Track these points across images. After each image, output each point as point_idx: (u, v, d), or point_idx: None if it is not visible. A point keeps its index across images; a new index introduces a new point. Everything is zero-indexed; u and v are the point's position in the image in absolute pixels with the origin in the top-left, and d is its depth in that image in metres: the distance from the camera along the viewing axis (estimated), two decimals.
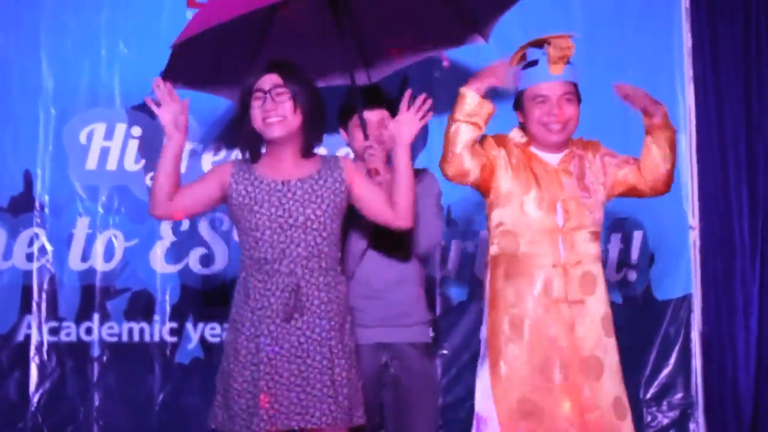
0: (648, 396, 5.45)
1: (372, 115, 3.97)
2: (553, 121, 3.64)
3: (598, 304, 3.65)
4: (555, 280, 3.59)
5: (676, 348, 5.47)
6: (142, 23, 5.09)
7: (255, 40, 4.21)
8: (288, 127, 3.52)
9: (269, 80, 3.54)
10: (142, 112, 5.01)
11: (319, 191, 3.53)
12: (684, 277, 5.50)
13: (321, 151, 4.57)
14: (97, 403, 4.98)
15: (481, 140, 3.68)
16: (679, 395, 5.47)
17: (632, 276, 5.48)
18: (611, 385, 3.62)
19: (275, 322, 3.42)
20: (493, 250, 3.70)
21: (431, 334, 4.09)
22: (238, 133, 3.58)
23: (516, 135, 3.75)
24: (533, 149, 3.70)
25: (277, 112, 3.50)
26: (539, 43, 3.66)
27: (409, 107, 3.56)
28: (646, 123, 3.74)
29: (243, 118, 3.56)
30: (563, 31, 4.84)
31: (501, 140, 3.72)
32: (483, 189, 3.72)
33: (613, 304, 4.90)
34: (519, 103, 3.72)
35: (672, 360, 5.47)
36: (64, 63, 5.04)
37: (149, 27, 5.06)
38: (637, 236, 5.46)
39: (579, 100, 3.72)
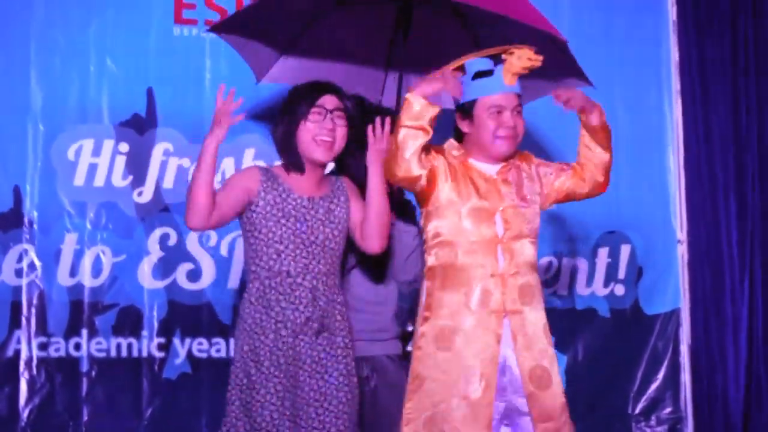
0: (637, 411, 5.48)
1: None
2: (509, 134, 3.57)
3: (537, 314, 3.59)
4: (493, 290, 3.53)
5: (665, 362, 5.50)
6: (130, 40, 5.09)
7: (306, 19, 4.24)
8: (334, 153, 3.59)
9: (331, 101, 3.58)
10: (130, 129, 5.06)
11: (335, 211, 3.60)
12: (672, 291, 5.54)
13: None
14: (86, 417, 4.95)
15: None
16: (668, 410, 5.49)
17: (620, 290, 5.51)
18: (559, 394, 3.59)
19: (298, 336, 3.46)
20: (430, 261, 3.62)
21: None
22: (283, 142, 3.57)
23: (451, 147, 3.67)
24: (472, 161, 3.63)
25: (333, 133, 3.55)
26: (495, 54, 3.57)
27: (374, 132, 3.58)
28: (584, 123, 3.65)
29: (291, 128, 3.56)
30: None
31: (440, 150, 3.64)
32: (423, 198, 3.63)
33: (601, 318, 5.47)
34: (466, 113, 3.60)
35: (661, 374, 5.49)
36: (52, 79, 5.03)
37: (137, 43, 5.08)
38: (625, 250, 5.49)
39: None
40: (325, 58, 4.39)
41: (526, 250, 3.60)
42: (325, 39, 4.34)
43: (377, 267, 3.95)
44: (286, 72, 4.44)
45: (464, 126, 3.63)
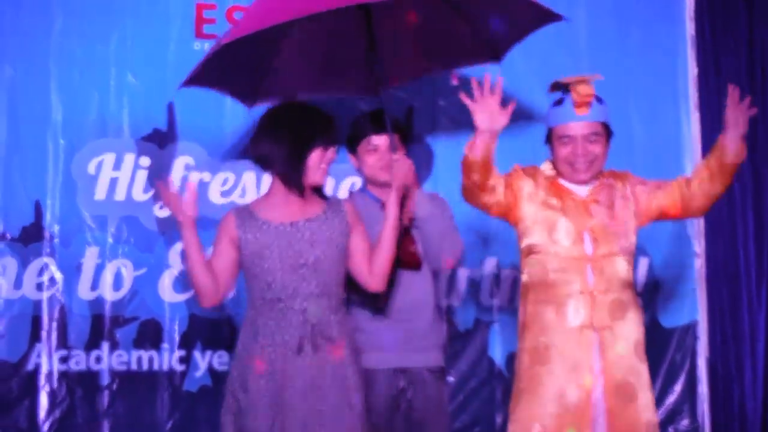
0: None
1: (380, 140, 4.01)
2: (579, 161, 3.69)
3: (629, 329, 3.68)
4: (581, 306, 3.63)
5: (683, 375, 5.49)
6: (150, 54, 5.12)
7: (268, 49, 4.25)
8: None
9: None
10: (151, 143, 5.10)
11: (327, 232, 3.58)
12: (690, 304, 5.52)
13: (329, 180, 4.75)
14: (106, 431, 4.98)
15: (511, 171, 3.77)
16: (685, 421, 5.48)
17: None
18: (645, 411, 3.66)
19: (288, 359, 3.46)
20: (524, 278, 3.77)
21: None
22: (292, 162, 3.54)
23: (546, 168, 3.82)
24: (562, 181, 3.76)
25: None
26: (562, 85, 3.72)
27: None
28: (721, 154, 3.71)
29: (303, 153, 3.56)
30: (569, 62, 5.09)
31: (531, 171, 3.79)
32: (510, 218, 3.78)
33: None
34: (549, 138, 3.78)
35: (678, 386, 5.49)
36: (72, 94, 5.06)
37: (157, 57, 5.10)
38: (643, 263, 5.45)
39: (609, 137, 3.77)
40: (307, 69, 4.41)
41: (619, 267, 3.67)
42: (297, 54, 4.34)
43: (411, 263, 3.95)
44: (273, 92, 4.46)
45: (550, 150, 3.80)
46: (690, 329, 5.50)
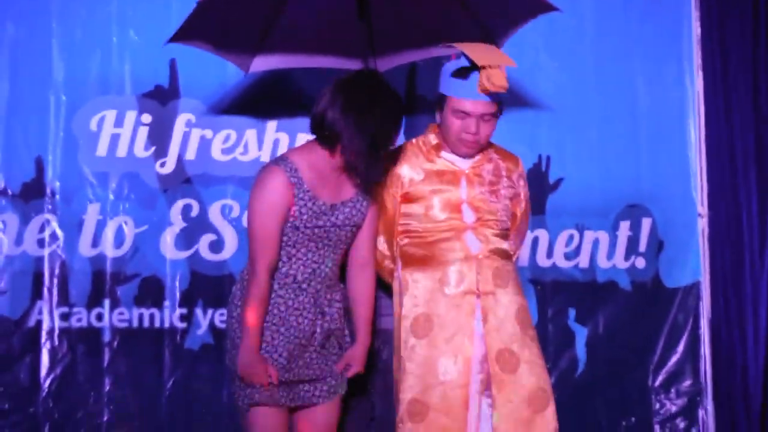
0: (656, 383, 5.47)
1: None
2: (469, 139, 3.69)
3: (511, 298, 3.73)
4: (466, 272, 3.67)
5: (685, 335, 5.49)
6: (153, 11, 5.06)
7: (271, 11, 4.22)
8: None
9: None
10: (153, 99, 5.06)
11: (356, 216, 3.55)
12: (693, 264, 5.51)
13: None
14: (107, 388, 4.96)
15: (386, 180, 3.76)
16: (687, 382, 5.48)
17: (641, 263, 5.48)
18: (528, 378, 3.67)
19: (295, 342, 3.49)
20: (403, 244, 3.79)
21: None
22: (370, 157, 3.44)
23: (431, 137, 3.81)
24: (444, 153, 3.77)
25: None
26: (471, 61, 3.62)
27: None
28: None
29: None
30: (572, 24, 5.17)
31: (404, 155, 3.78)
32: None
33: (622, 291, 5.45)
34: (441, 104, 3.72)
35: (681, 347, 5.48)
36: (74, 51, 5.01)
37: (159, 15, 5.01)
38: (646, 223, 5.46)
39: (499, 116, 3.75)
40: (305, 40, 4.40)
41: (498, 237, 3.76)
42: (299, 21, 4.31)
43: None
44: (272, 60, 4.47)
45: (438, 115, 3.76)
46: (693, 289, 5.49)
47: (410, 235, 3.75)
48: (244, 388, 3.50)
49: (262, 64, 4.47)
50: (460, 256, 3.68)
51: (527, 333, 3.74)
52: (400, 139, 5.32)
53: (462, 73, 3.62)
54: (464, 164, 3.76)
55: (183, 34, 4.01)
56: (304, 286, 3.47)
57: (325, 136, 3.42)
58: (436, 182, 3.72)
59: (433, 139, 3.80)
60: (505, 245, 3.79)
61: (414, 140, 3.86)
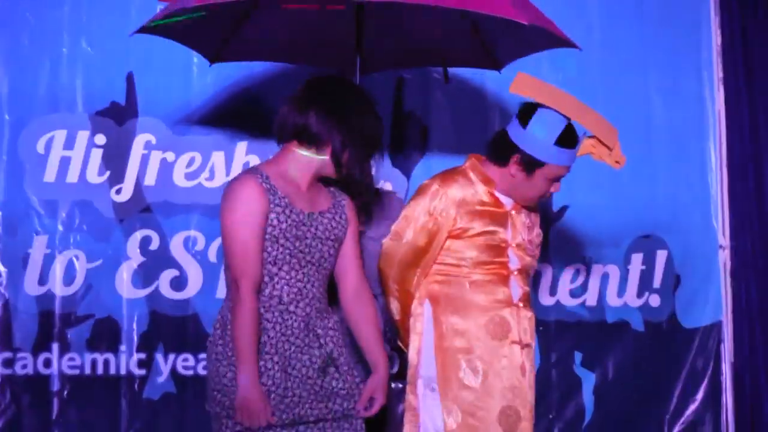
0: None
1: None
2: (541, 200, 3.75)
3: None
4: (510, 320, 3.66)
5: (705, 381, 5.36)
6: (108, 19, 4.92)
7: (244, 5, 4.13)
8: None
9: None
10: (107, 118, 4.92)
11: (336, 229, 3.40)
12: (713, 302, 5.39)
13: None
14: None
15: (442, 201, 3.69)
16: None
17: (655, 301, 5.34)
18: None
19: (287, 370, 3.29)
20: (434, 281, 3.73)
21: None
22: (357, 165, 3.34)
23: (485, 169, 3.71)
24: (497, 192, 3.69)
25: None
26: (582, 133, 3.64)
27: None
28: None
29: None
30: (579, 33, 4.88)
31: (456, 187, 3.65)
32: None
33: (634, 332, 5.33)
34: (528, 165, 3.58)
35: (700, 395, 5.35)
36: (20, 63, 4.88)
37: (116, 23, 4.84)
38: (661, 256, 5.34)
39: None
40: (283, 33, 4.30)
41: (527, 287, 3.74)
42: (275, 15, 4.20)
43: None
44: (241, 50, 4.40)
45: (516, 171, 3.63)
46: (713, 330, 5.38)
47: (445, 273, 3.68)
48: None
49: (233, 50, 4.39)
50: (503, 303, 3.66)
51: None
52: (390, 164, 5.05)
53: (570, 143, 3.57)
54: (509, 204, 3.72)
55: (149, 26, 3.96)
56: (292, 308, 3.30)
57: (308, 143, 3.32)
58: (488, 221, 3.67)
59: (486, 171, 3.71)
60: (530, 294, 3.82)
61: (461, 168, 3.74)
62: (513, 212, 3.69)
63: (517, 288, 3.66)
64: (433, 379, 3.61)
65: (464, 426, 3.56)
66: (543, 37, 3.96)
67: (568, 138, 3.55)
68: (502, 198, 3.68)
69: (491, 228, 3.63)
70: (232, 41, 4.28)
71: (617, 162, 3.61)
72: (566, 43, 3.94)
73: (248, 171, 3.39)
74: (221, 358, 3.28)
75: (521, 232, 3.70)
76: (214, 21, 4.06)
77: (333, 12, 4.02)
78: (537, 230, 3.80)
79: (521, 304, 3.66)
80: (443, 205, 3.60)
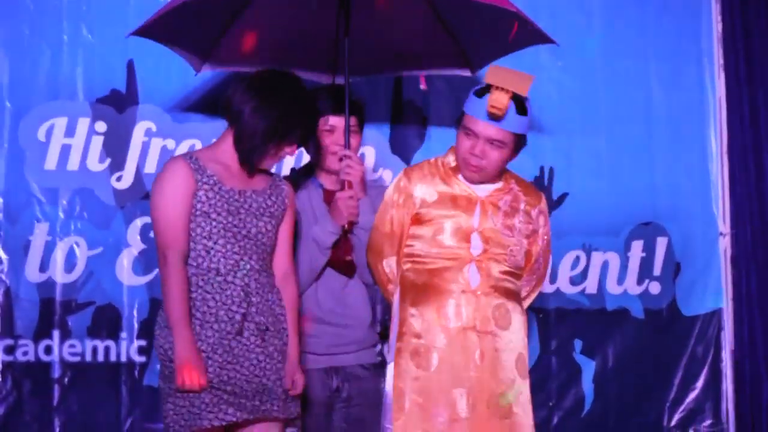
0: (673, 423, 5.34)
1: (339, 122, 3.95)
2: (472, 160, 3.65)
3: (515, 344, 3.70)
4: (464, 307, 3.65)
5: (705, 369, 5.35)
6: (108, 6, 4.92)
7: (232, 10, 4.14)
8: None
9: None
10: (108, 106, 4.92)
11: (272, 207, 3.60)
12: (714, 289, 5.38)
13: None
14: (57, 429, 4.82)
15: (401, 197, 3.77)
16: (707, 422, 5.35)
17: (655, 288, 5.32)
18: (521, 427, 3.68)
19: (228, 338, 3.44)
20: (405, 269, 3.77)
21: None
22: (264, 142, 3.52)
23: (450, 158, 3.77)
24: (462, 177, 3.73)
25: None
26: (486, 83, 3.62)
27: None
28: None
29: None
30: (580, 21, 5.22)
31: (420, 173, 3.75)
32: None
33: (634, 320, 5.34)
34: (459, 120, 3.71)
35: (700, 383, 5.34)
36: (20, 51, 4.87)
37: (116, 11, 4.89)
38: (661, 243, 5.32)
39: (518, 148, 3.70)
40: (268, 41, 4.29)
41: (505, 275, 3.70)
42: (260, 23, 4.22)
43: (345, 269, 3.99)
44: (227, 58, 4.37)
45: (456, 135, 3.73)
46: (713, 318, 5.36)
47: (413, 259, 3.74)
48: (187, 405, 3.40)
49: (219, 58, 4.38)
50: (460, 289, 3.66)
51: (526, 385, 3.71)
52: (389, 151, 5.03)
53: (480, 92, 3.62)
54: (482, 192, 3.73)
55: (145, 29, 4.00)
56: (230, 278, 3.48)
57: (227, 115, 3.55)
58: (450, 206, 3.71)
59: (452, 160, 3.78)
60: (511, 284, 3.74)
61: (433, 159, 3.84)
62: (484, 198, 3.68)
63: (477, 275, 3.64)
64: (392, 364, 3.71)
65: (415, 407, 3.59)
66: (521, 36, 3.99)
67: (481, 89, 3.58)
68: (473, 186, 3.70)
69: (452, 212, 3.66)
70: (217, 49, 4.26)
71: (492, 106, 3.51)
72: (544, 38, 3.99)
73: (180, 154, 3.65)
74: (161, 328, 3.45)
75: (492, 218, 3.67)
76: (201, 26, 4.09)
77: (318, 17, 4.07)
78: (523, 217, 3.74)
79: (479, 292, 3.63)
80: (406, 192, 3.70)
